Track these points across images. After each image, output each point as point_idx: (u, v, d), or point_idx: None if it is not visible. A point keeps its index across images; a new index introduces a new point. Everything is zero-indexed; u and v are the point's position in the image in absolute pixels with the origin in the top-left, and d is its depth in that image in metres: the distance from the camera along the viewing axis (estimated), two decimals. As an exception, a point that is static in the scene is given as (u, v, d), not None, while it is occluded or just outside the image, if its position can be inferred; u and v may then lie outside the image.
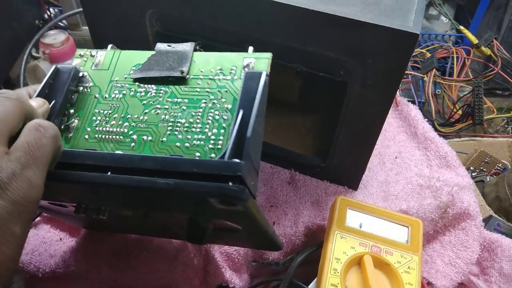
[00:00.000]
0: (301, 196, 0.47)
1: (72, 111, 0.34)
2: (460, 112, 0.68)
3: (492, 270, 0.45)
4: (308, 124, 0.52)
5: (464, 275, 0.43)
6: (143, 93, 0.34)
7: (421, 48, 0.78)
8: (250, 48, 0.33)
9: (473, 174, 0.62)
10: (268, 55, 0.32)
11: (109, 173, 0.27)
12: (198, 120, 0.32)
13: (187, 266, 0.42)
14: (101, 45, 0.35)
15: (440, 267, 0.44)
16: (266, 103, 0.30)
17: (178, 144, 0.31)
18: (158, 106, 0.33)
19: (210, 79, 0.33)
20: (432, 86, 0.69)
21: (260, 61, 0.32)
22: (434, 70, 0.69)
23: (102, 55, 0.35)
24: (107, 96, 0.34)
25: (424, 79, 0.70)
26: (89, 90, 0.34)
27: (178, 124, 0.32)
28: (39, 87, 0.32)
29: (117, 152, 0.31)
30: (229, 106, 0.32)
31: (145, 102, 0.33)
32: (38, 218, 0.46)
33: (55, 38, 0.65)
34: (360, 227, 0.41)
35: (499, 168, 0.62)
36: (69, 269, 0.41)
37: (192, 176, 0.26)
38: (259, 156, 0.30)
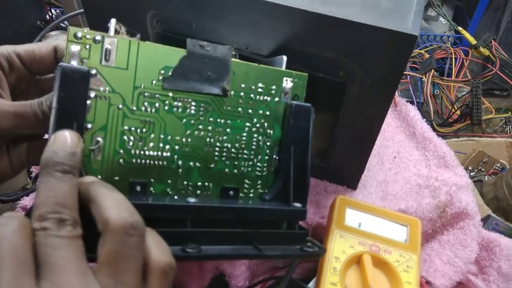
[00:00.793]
0: (301, 196, 0.47)
1: (90, 126, 0.27)
2: (458, 112, 0.68)
3: (490, 269, 0.45)
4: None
5: (462, 274, 0.43)
6: (180, 109, 0.29)
7: (420, 49, 0.78)
8: (284, 59, 0.33)
9: (472, 174, 0.62)
10: (305, 77, 0.33)
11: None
12: (243, 146, 0.31)
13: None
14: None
15: (438, 266, 0.44)
16: None
17: (226, 170, 0.31)
18: (201, 127, 0.30)
19: (252, 98, 0.31)
20: (430, 86, 0.69)
21: (298, 85, 0.33)
22: (432, 70, 0.70)
23: (112, 44, 0.27)
24: (134, 108, 0.28)
25: (423, 79, 0.70)
26: (107, 98, 0.27)
27: (225, 149, 0.30)
28: (53, 110, 0.25)
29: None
30: (271, 132, 0.32)
31: (185, 120, 0.29)
32: None
33: (56, 39, 0.66)
34: (359, 226, 0.41)
35: (497, 168, 0.63)
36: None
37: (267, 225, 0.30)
38: None
